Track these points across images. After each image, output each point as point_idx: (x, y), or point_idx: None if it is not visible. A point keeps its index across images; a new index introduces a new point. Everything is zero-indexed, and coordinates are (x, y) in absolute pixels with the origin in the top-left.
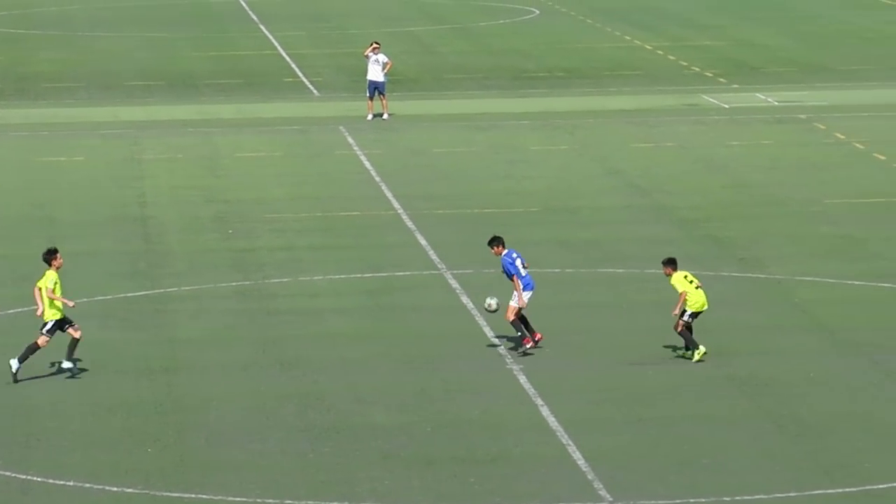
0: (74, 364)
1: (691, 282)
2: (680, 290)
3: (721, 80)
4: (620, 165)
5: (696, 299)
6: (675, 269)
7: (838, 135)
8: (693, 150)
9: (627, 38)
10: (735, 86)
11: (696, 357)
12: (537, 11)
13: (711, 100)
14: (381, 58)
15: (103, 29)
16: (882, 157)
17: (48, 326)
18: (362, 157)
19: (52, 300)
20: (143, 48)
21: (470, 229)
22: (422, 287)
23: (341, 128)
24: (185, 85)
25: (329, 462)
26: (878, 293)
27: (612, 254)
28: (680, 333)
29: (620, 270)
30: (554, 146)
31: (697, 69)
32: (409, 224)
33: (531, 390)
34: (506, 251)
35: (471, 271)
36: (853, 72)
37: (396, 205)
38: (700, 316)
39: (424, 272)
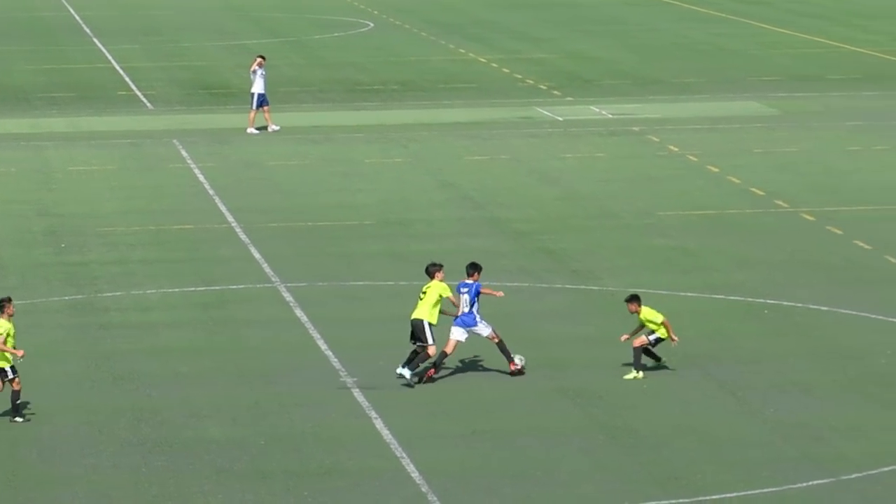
0: (413, 374)
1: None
2: (661, 319)
3: (555, 92)
4: (454, 178)
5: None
6: (640, 304)
7: (671, 147)
8: (527, 162)
9: (462, 50)
10: (569, 98)
11: (632, 376)
12: (372, 24)
13: (545, 112)
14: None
15: None
16: (715, 170)
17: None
18: (196, 171)
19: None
20: None
21: (304, 242)
22: (255, 300)
23: (175, 141)
24: (17, 98)
25: (162, 476)
26: (711, 305)
27: (447, 266)
28: (642, 351)
29: (454, 283)
30: (388, 159)
31: (531, 82)
32: (243, 237)
33: (365, 403)
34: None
35: (305, 284)
36: (686, 84)
37: (230, 218)
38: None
39: (258, 285)
